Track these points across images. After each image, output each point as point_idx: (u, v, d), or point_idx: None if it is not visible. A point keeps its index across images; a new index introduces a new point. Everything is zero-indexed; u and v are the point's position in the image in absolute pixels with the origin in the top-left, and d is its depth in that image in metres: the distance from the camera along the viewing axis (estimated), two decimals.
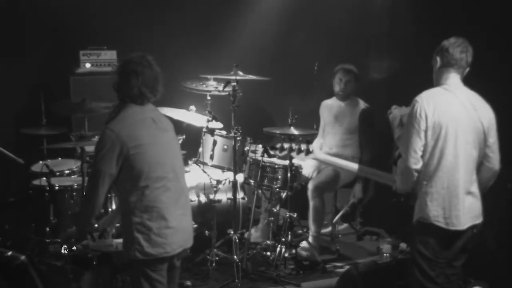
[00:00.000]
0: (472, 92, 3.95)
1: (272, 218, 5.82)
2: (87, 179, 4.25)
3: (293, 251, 5.80)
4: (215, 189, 5.82)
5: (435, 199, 3.82)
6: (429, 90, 3.94)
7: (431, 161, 3.82)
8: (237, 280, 5.31)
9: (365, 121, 6.13)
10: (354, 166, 4.59)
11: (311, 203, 5.98)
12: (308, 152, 4.17)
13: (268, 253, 5.72)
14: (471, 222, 3.87)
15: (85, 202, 3.88)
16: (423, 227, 3.88)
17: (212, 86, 6.18)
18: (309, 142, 4.20)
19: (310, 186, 6.00)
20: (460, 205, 3.82)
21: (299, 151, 4.19)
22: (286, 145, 4.19)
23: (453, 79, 3.92)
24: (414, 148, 3.80)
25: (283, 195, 5.82)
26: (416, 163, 3.82)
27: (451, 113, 3.81)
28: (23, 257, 4.35)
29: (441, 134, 3.78)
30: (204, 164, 5.79)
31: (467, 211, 3.84)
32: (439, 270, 3.87)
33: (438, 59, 3.97)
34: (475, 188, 3.91)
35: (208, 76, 6.21)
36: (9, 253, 4.38)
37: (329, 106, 6.37)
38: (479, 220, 3.93)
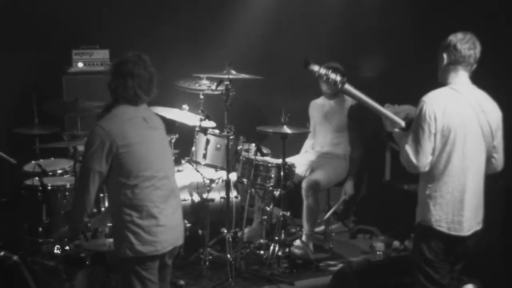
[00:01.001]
0: (479, 91, 3.81)
1: (265, 216, 5.83)
2: (78, 177, 4.20)
3: (287, 249, 5.80)
4: (208, 188, 5.81)
5: (438, 204, 3.71)
6: (437, 90, 3.78)
7: (438, 165, 3.69)
8: (230, 279, 5.30)
9: (354, 118, 6.16)
10: (377, 106, 4.00)
11: (305, 202, 5.98)
12: (339, 83, 3.86)
13: (262, 252, 5.72)
14: (474, 228, 3.78)
15: (75, 200, 3.85)
16: (425, 230, 3.77)
17: (205, 85, 6.17)
18: (344, 75, 3.89)
19: (304, 185, 6.00)
20: (464, 211, 3.71)
21: (329, 79, 3.86)
22: (322, 71, 3.84)
23: (461, 78, 3.77)
24: (425, 152, 3.66)
25: (276, 193, 5.82)
26: (426, 166, 3.69)
27: (460, 117, 3.67)
28: (15, 257, 4.33)
29: (450, 138, 3.65)
30: (197, 163, 5.78)
31: (471, 217, 3.75)
32: (443, 272, 3.78)
33: (445, 56, 3.78)
34: (481, 193, 3.81)
35: (201, 75, 6.20)
36: (2, 253, 4.36)
37: (318, 105, 6.41)
38: (479, 226, 3.83)
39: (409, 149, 3.70)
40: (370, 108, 3.95)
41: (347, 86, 3.91)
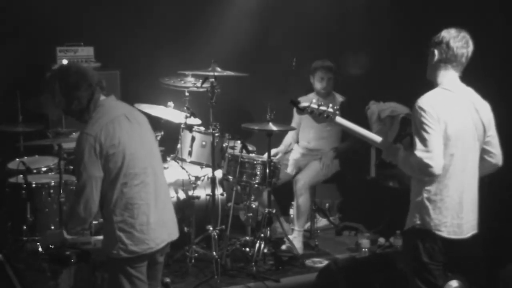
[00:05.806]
0: (469, 89, 3.71)
1: (251, 214, 5.83)
2: (74, 193, 3.91)
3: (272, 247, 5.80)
4: (193, 185, 5.80)
5: (438, 208, 3.59)
6: (431, 93, 3.64)
7: None
8: (216, 277, 5.30)
9: (344, 114, 6.17)
10: (370, 134, 3.84)
11: (297, 200, 6.01)
12: (332, 115, 3.74)
13: (247, 249, 5.72)
14: (472, 230, 3.71)
15: (74, 212, 3.65)
16: (421, 233, 3.65)
17: (190, 82, 6.16)
18: (336, 109, 3.76)
19: (299, 182, 6.02)
20: (464, 213, 3.63)
21: (320, 114, 3.75)
22: (314, 106, 3.76)
23: (451, 77, 3.66)
24: (438, 152, 3.46)
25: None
26: (441, 167, 3.50)
27: (458, 117, 3.57)
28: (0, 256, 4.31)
29: (451, 139, 3.54)
30: (183, 160, 5.77)
31: (470, 219, 3.68)
32: (438, 273, 3.68)
33: (436, 52, 3.65)
34: (476, 194, 3.74)
35: (186, 72, 6.18)
36: None
37: (309, 100, 6.40)
38: (475, 230, 3.74)
39: (420, 153, 3.48)
40: (361, 138, 3.84)
41: (339, 119, 3.82)
